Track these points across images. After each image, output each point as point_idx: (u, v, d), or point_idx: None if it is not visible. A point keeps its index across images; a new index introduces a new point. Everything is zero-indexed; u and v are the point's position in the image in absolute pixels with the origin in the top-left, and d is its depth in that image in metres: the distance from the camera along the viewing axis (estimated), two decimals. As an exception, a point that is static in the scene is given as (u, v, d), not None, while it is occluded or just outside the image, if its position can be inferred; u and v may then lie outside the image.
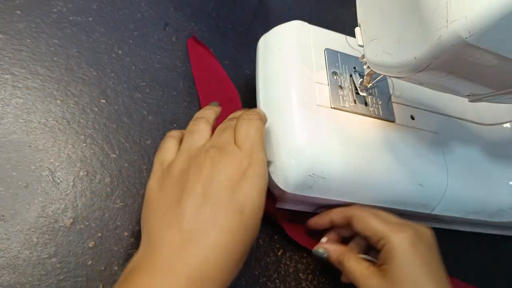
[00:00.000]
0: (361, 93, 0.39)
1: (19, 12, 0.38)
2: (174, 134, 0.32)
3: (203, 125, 0.31)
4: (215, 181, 0.26)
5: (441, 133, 0.40)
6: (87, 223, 0.32)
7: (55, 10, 0.40)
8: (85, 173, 0.34)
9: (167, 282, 0.23)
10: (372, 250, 0.35)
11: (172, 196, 0.26)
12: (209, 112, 0.33)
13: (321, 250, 0.35)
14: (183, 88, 0.43)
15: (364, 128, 0.37)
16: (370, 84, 0.39)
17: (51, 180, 0.33)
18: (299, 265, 0.38)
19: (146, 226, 0.27)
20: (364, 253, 0.34)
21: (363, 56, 0.34)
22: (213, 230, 0.24)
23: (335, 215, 0.35)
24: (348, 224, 0.34)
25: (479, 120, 0.43)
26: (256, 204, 0.26)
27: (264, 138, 0.31)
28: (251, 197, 0.26)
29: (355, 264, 0.32)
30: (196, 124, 0.31)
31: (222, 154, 0.27)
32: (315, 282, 0.37)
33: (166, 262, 0.23)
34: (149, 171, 0.36)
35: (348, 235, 0.36)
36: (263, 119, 0.33)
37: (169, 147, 0.31)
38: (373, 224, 0.32)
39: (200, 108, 0.42)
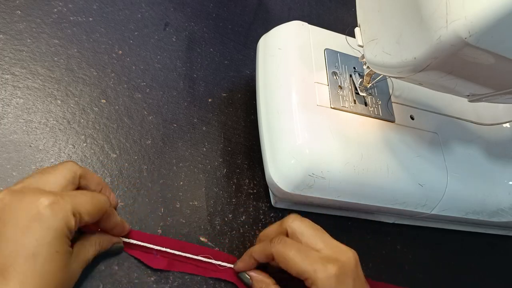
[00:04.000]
0: (361, 93, 0.39)
1: (20, 12, 0.39)
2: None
3: (62, 171, 0.27)
4: (3, 224, 0.23)
5: (440, 133, 0.40)
6: (87, 223, 0.32)
7: (55, 10, 0.40)
8: (86, 173, 0.34)
9: None
10: None
11: None
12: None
13: (245, 276, 0.33)
14: (183, 88, 0.43)
15: (364, 128, 0.37)
16: (370, 84, 0.39)
17: (52, 180, 0.33)
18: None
19: None
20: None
21: (363, 56, 0.34)
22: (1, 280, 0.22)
23: (257, 255, 0.32)
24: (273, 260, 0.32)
25: (479, 120, 0.43)
26: (54, 248, 0.23)
27: (92, 214, 0.27)
28: (47, 242, 0.23)
29: None
30: (54, 167, 0.28)
31: (19, 195, 0.24)
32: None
33: None
34: (149, 171, 0.36)
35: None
36: (111, 201, 0.30)
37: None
38: (296, 263, 0.29)
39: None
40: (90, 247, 0.28)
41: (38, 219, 0.23)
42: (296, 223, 0.31)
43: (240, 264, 0.34)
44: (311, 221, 0.32)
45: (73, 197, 0.25)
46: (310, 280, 0.28)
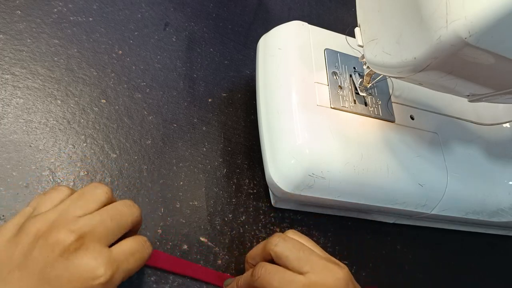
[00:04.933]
0: (361, 93, 0.39)
1: (20, 12, 0.39)
2: (67, 189, 0.27)
3: (100, 192, 0.27)
4: (55, 275, 0.22)
5: (440, 133, 0.40)
6: (87, 223, 0.32)
7: (55, 10, 0.40)
8: (86, 173, 0.34)
9: None
10: None
11: (12, 257, 0.23)
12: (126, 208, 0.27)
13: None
14: (183, 88, 0.43)
15: (364, 128, 0.37)
16: (370, 84, 0.39)
17: (52, 180, 0.33)
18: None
19: None
20: None
21: (363, 56, 0.34)
22: None
23: (244, 287, 0.31)
24: None
25: (479, 120, 0.43)
26: None
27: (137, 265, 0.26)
28: None
29: None
30: (92, 188, 0.27)
31: (84, 248, 0.23)
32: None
33: None
34: (149, 171, 0.36)
35: None
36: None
37: (54, 197, 0.26)
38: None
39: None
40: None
41: None
42: (279, 247, 0.30)
43: None
44: (296, 239, 0.31)
45: (126, 263, 0.25)
46: None
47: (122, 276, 0.25)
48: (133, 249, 0.26)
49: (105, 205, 0.26)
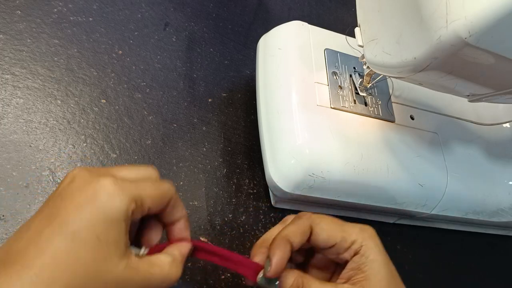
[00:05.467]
0: (361, 93, 0.39)
1: (20, 12, 0.39)
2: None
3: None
4: (60, 198, 0.22)
5: (440, 133, 0.40)
6: (87, 223, 0.32)
7: (55, 10, 0.40)
8: (86, 173, 0.34)
9: None
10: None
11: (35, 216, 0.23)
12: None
13: (267, 279, 0.26)
14: (183, 88, 0.43)
15: (364, 128, 0.37)
16: (370, 84, 0.39)
17: (52, 180, 0.33)
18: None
19: None
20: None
21: (363, 56, 0.34)
22: (32, 252, 0.20)
23: (292, 234, 0.26)
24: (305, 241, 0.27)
25: (479, 120, 0.43)
26: (96, 233, 0.21)
27: (155, 200, 0.24)
28: (92, 224, 0.21)
29: None
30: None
31: (89, 173, 0.22)
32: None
33: None
34: (149, 171, 0.36)
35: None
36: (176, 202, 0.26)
37: None
38: (340, 228, 0.27)
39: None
40: (166, 257, 0.24)
41: (93, 199, 0.21)
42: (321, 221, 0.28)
43: (278, 257, 0.25)
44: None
45: (135, 182, 0.23)
46: (358, 242, 0.26)
47: (131, 192, 0.22)
48: (143, 178, 0.25)
49: None
